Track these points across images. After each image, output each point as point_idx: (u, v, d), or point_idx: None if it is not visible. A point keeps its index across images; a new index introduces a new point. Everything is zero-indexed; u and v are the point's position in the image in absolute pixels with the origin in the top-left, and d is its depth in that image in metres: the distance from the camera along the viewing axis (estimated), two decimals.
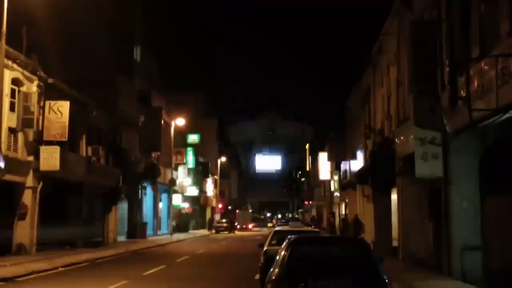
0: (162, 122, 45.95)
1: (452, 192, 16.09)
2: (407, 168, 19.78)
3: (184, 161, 56.17)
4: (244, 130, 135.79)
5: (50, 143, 25.81)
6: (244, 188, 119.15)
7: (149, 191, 46.33)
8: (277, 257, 9.19)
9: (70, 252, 25.97)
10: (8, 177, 22.49)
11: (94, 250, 27.80)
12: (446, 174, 16.21)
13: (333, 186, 48.36)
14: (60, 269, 20.11)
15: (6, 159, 21.30)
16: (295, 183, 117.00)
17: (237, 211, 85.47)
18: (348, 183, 39.05)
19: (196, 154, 63.24)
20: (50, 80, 26.33)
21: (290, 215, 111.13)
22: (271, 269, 8.97)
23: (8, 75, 22.56)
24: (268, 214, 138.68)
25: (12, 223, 24.72)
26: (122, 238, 38.07)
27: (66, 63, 30.10)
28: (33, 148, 25.34)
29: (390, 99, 25.76)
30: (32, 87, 25.29)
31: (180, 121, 50.85)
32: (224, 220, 66.72)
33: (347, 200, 42.41)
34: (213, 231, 62.73)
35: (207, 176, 73.88)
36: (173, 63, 60.99)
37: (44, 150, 25.35)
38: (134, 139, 40.35)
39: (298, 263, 8.73)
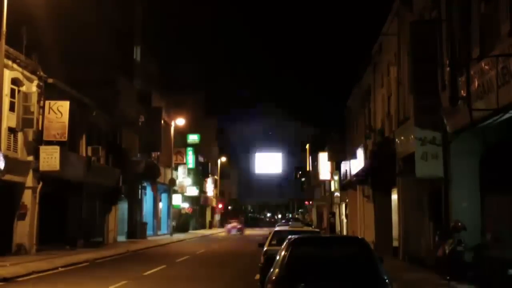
0: (162, 122, 45.95)
1: (452, 192, 16.07)
2: (407, 168, 19.77)
3: (184, 161, 56.20)
4: (244, 130, 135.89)
5: (50, 143, 25.81)
6: (244, 188, 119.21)
7: (149, 191, 46.34)
8: (277, 257, 9.17)
9: (70, 252, 25.96)
10: (8, 177, 22.49)
11: (94, 250, 27.79)
12: (447, 174, 16.19)
13: (333, 186, 48.31)
14: (60, 269, 20.11)
15: (6, 159, 21.30)
16: (295, 183, 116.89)
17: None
18: (348, 183, 39.00)
19: (196, 154, 63.26)
20: (50, 80, 26.33)
21: (290, 215, 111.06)
22: (271, 269, 8.95)
23: (8, 75, 22.56)
24: (268, 214, 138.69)
25: (12, 223, 24.72)
26: (122, 238, 38.06)
27: (66, 63, 30.09)
28: (33, 148, 25.34)
29: (390, 99, 25.74)
30: (32, 87, 25.29)
31: (180, 121, 50.87)
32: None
33: (347, 200, 42.38)
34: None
35: (207, 176, 73.89)
36: (173, 63, 60.95)
37: (44, 150, 25.34)
38: (134, 139, 40.34)
39: (298, 263, 8.71)
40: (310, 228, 20.16)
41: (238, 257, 27.25)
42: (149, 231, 43.67)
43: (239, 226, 62.77)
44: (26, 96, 24.68)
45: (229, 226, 63.20)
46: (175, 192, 52.66)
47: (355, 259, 8.88)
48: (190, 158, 60.02)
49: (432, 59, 16.13)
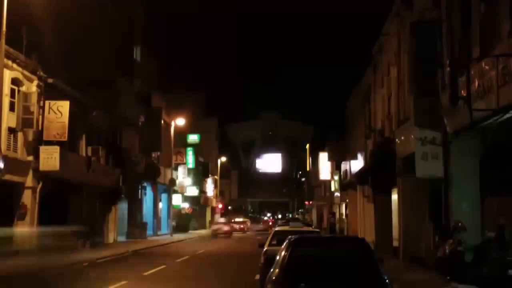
0: (162, 122, 45.93)
1: (452, 192, 16.07)
2: (408, 168, 19.77)
3: (184, 161, 56.16)
4: (244, 130, 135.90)
5: (50, 143, 25.78)
6: (244, 188, 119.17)
7: (149, 191, 46.31)
8: (277, 257, 9.17)
9: (70, 252, 25.91)
10: (7, 177, 22.47)
11: (94, 250, 27.77)
12: (447, 174, 16.18)
13: (334, 186, 48.32)
14: (60, 269, 20.08)
15: (6, 159, 21.29)
16: (296, 183, 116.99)
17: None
18: (348, 183, 39.03)
19: (196, 154, 63.23)
20: (50, 80, 26.30)
21: (290, 215, 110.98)
22: (271, 269, 8.95)
23: (8, 75, 22.55)
24: (268, 214, 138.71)
25: (12, 223, 24.69)
26: (122, 238, 38.04)
27: (66, 63, 30.06)
28: (33, 148, 25.32)
29: (390, 99, 25.74)
30: (32, 87, 25.27)
31: (180, 121, 50.83)
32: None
33: (347, 200, 42.39)
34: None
35: (207, 176, 73.86)
36: (173, 63, 60.97)
37: (43, 150, 25.32)
38: (134, 139, 40.33)
39: (299, 263, 8.71)
40: (310, 228, 20.13)
41: (238, 257, 27.24)
42: (149, 231, 43.64)
43: (225, 229, 52.98)
44: (26, 96, 24.67)
45: (215, 226, 54.61)
46: (175, 192, 52.62)
47: (355, 259, 8.88)
48: (190, 158, 59.99)
49: (432, 59, 16.10)
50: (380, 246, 26.06)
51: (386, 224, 26.04)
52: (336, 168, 46.79)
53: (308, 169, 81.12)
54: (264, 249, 14.49)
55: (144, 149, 42.55)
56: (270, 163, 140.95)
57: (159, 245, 35.83)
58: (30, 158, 25.24)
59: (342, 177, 43.44)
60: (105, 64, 34.63)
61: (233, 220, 64.30)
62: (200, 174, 68.87)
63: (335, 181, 47.47)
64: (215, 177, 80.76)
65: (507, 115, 12.07)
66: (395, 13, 23.62)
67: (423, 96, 16.35)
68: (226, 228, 53.77)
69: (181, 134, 56.19)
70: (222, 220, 59.62)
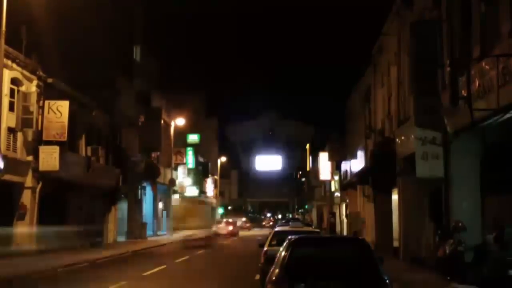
0: (162, 122, 45.91)
1: (452, 192, 16.06)
2: (408, 168, 19.77)
3: (184, 161, 56.15)
4: (244, 130, 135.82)
5: (49, 143, 25.78)
6: (244, 188, 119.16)
7: (149, 191, 46.28)
8: (277, 257, 9.16)
9: (70, 252, 25.92)
10: (7, 177, 22.48)
11: (94, 250, 27.76)
12: (447, 174, 16.17)
13: (334, 186, 48.28)
14: (59, 269, 20.07)
15: (5, 159, 21.29)
16: (296, 183, 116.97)
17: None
18: (348, 183, 38.98)
19: (196, 154, 63.23)
20: (50, 80, 26.30)
21: (290, 215, 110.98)
22: (271, 269, 8.94)
23: (7, 74, 22.54)
24: (268, 214, 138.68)
25: (12, 223, 24.68)
26: (122, 238, 38.02)
27: (66, 63, 30.03)
28: (33, 148, 25.31)
29: (390, 99, 25.72)
30: (32, 87, 25.26)
31: (180, 121, 50.81)
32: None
33: (347, 200, 42.35)
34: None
35: (207, 176, 73.84)
36: (173, 63, 60.99)
37: (43, 150, 25.32)
38: (134, 139, 40.32)
39: (299, 263, 8.71)
40: (310, 228, 20.14)
41: (238, 257, 27.23)
42: (149, 231, 43.62)
43: (230, 229, 51.98)
44: (26, 96, 24.66)
45: (215, 228, 50.88)
46: (175, 192, 52.56)
47: (355, 259, 8.88)
48: (190, 158, 59.99)
49: (432, 59, 16.09)
50: (380, 246, 26.03)
51: (386, 224, 26.02)
52: (336, 168, 46.76)
53: (308, 169, 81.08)
54: (264, 249, 14.49)
55: (144, 149, 42.54)
56: (270, 163, 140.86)
57: (159, 245, 35.81)
58: (30, 158, 25.23)
59: (342, 177, 43.40)
60: (105, 64, 34.60)
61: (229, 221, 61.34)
62: (200, 174, 68.86)
63: (335, 181, 47.43)
64: (215, 177, 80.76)
65: (507, 115, 12.06)
66: (395, 13, 23.61)
67: (423, 96, 16.33)
68: (230, 228, 52.71)
69: (181, 134, 56.18)
70: (225, 220, 57.38)
